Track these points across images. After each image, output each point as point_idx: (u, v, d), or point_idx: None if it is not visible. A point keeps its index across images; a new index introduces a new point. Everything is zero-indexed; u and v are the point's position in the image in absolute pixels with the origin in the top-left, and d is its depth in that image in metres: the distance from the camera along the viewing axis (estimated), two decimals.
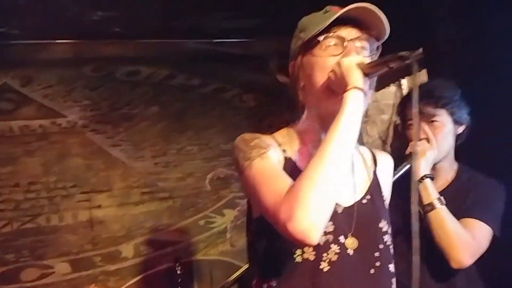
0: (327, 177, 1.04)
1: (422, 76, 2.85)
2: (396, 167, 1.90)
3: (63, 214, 3.00)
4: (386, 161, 1.40)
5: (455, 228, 1.74)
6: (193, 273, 3.14)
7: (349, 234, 1.18)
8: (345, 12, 1.15)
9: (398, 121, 2.14)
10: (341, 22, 1.17)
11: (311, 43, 1.20)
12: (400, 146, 2.07)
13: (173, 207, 3.24)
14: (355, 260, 1.17)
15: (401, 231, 1.61)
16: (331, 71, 1.16)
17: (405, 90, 3.46)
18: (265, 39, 3.36)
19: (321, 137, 1.19)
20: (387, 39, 1.21)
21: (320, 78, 1.18)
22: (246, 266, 2.47)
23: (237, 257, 3.22)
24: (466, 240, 1.73)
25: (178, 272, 2.83)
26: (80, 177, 3.06)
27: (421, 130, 1.87)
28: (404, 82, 3.66)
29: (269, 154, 1.17)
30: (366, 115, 3.74)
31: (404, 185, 1.59)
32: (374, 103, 3.58)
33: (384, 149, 3.56)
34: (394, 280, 1.22)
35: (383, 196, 1.31)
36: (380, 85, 3.63)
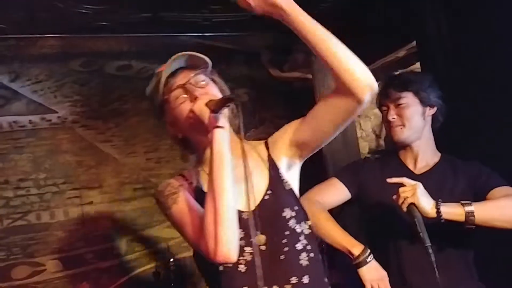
0: (220, 208, 1.26)
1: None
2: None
3: (54, 211, 2.96)
4: (273, 135, 1.58)
5: (501, 205, 1.72)
6: (187, 269, 3.12)
7: (258, 232, 1.37)
8: (171, 65, 1.44)
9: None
10: (174, 73, 1.46)
11: (164, 105, 1.48)
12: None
13: None
14: (267, 253, 1.37)
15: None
16: (190, 118, 1.40)
17: None
18: (257, 33, 3.32)
19: None
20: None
21: (187, 125, 1.45)
22: None
23: None
24: None
25: (172, 268, 2.82)
26: (71, 173, 3.02)
27: (389, 112, 2.00)
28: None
29: (181, 196, 1.42)
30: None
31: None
32: None
33: (378, 143, 3.55)
34: (304, 254, 1.39)
35: (283, 182, 1.48)
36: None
